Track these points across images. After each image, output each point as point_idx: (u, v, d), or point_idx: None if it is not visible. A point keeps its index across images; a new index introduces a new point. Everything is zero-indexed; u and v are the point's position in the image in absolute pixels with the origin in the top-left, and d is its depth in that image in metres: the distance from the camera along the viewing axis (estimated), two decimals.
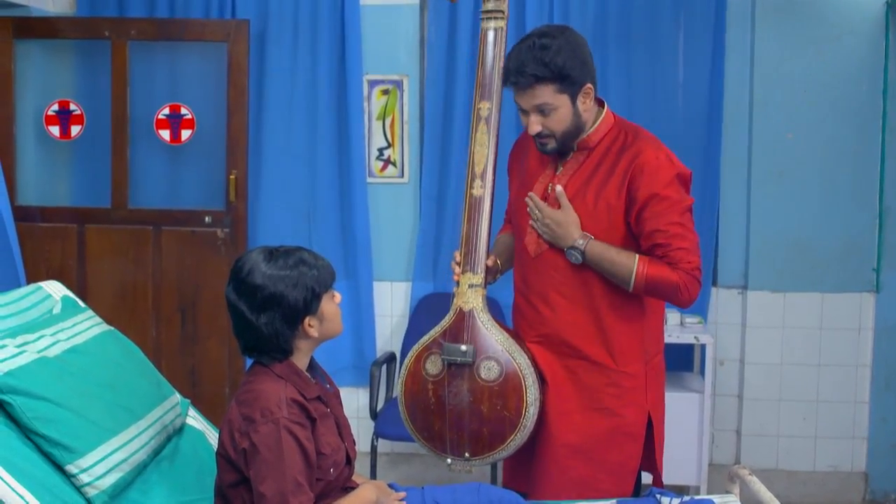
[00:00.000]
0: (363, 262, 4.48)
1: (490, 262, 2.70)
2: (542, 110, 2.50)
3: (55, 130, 4.48)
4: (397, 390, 2.74)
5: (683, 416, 4.03)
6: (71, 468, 2.12)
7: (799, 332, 4.33)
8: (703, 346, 4.14)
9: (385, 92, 4.52)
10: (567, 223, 2.52)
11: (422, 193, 4.49)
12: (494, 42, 2.69)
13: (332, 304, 2.24)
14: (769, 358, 4.36)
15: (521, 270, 2.71)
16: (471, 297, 2.64)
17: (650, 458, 2.68)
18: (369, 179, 4.52)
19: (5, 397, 2.09)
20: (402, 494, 2.37)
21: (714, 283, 4.40)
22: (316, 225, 4.50)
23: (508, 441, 2.56)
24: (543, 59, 2.43)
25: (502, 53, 2.68)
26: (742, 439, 4.41)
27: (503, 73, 2.58)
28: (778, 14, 4.23)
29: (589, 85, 2.51)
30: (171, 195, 4.60)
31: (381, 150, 4.54)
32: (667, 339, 4.02)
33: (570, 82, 2.47)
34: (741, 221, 4.35)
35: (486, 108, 2.70)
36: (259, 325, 2.16)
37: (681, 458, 4.02)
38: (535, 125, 2.52)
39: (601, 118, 2.59)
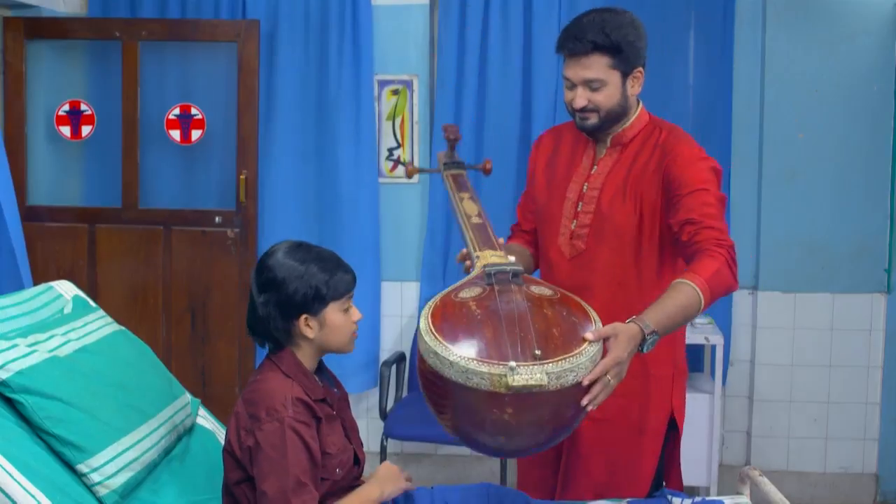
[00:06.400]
0: (372, 262, 4.49)
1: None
2: (591, 85, 2.44)
3: (66, 130, 4.50)
4: (420, 323, 2.07)
5: (694, 417, 4.01)
6: (82, 467, 2.13)
7: (810, 333, 4.32)
8: (713, 347, 4.13)
9: (395, 92, 4.52)
10: (623, 346, 2.07)
11: (431, 194, 4.48)
12: (457, 183, 2.64)
13: (343, 316, 2.23)
14: (780, 359, 4.34)
15: (553, 277, 2.58)
16: (497, 257, 2.27)
17: (670, 462, 2.66)
18: (381, 179, 4.52)
19: (17, 397, 2.10)
20: (411, 486, 2.36)
21: None
22: (326, 225, 4.50)
23: (585, 345, 2.00)
24: (605, 29, 2.38)
25: (468, 187, 2.61)
26: (752, 440, 4.40)
27: (559, 41, 2.47)
28: (789, 14, 4.22)
29: (641, 69, 2.49)
30: (181, 195, 4.61)
31: (390, 151, 4.54)
32: None
33: (624, 59, 2.42)
34: (752, 222, 4.34)
35: (468, 196, 2.58)
36: (257, 303, 2.21)
37: (691, 459, 4.00)
38: (580, 98, 2.45)
39: (636, 114, 2.56)
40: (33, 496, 1.98)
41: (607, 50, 2.39)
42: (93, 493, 2.14)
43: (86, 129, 4.50)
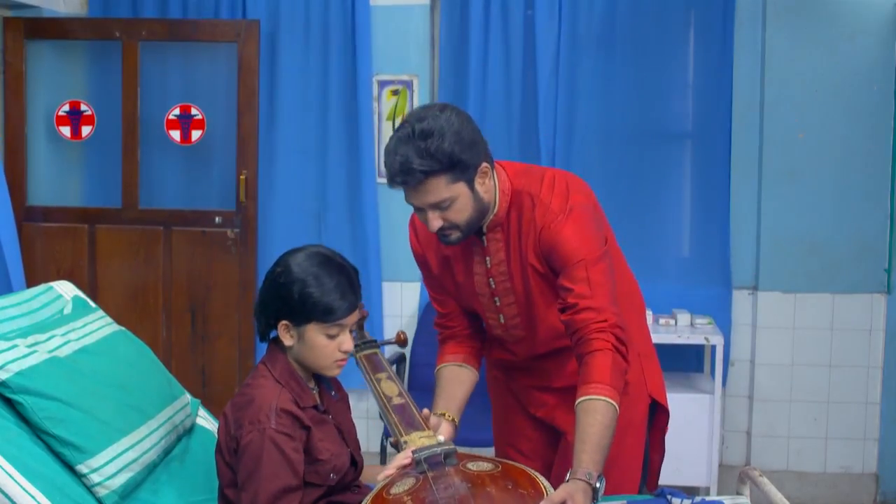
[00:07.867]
0: (373, 262, 4.49)
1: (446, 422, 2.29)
2: (439, 206, 2.17)
3: (66, 131, 4.50)
4: None
5: (694, 417, 4.02)
6: (82, 468, 2.12)
7: (810, 333, 4.32)
8: (713, 347, 4.13)
9: (395, 92, 4.52)
10: (576, 493, 1.95)
11: None
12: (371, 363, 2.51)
13: (325, 340, 2.16)
14: (780, 359, 4.34)
15: (503, 362, 2.54)
16: (426, 438, 2.12)
17: (654, 446, 2.65)
18: (379, 180, 4.52)
19: (17, 397, 2.09)
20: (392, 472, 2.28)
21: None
22: (326, 225, 4.51)
23: None
24: (429, 150, 2.10)
25: (384, 367, 2.50)
26: (752, 440, 4.40)
27: (388, 174, 2.18)
28: (789, 14, 4.22)
29: (485, 164, 2.21)
30: (181, 195, 4.61)
31: None
32: (677, 340, 4.06)
33: (462, 168, 2.14)
34: (752, 222, 4.34)
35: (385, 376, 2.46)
36: (260, 288, 2.23)
37: (691, 459, 4.01)
38: (434, 221, 2.19)
39: (498, 197, 2.31)
40: (33, 496, 1.98)
41: (440, 171, 2.13)
42: (92, 494, 2.13)
43: (86, 130, 4.50)
